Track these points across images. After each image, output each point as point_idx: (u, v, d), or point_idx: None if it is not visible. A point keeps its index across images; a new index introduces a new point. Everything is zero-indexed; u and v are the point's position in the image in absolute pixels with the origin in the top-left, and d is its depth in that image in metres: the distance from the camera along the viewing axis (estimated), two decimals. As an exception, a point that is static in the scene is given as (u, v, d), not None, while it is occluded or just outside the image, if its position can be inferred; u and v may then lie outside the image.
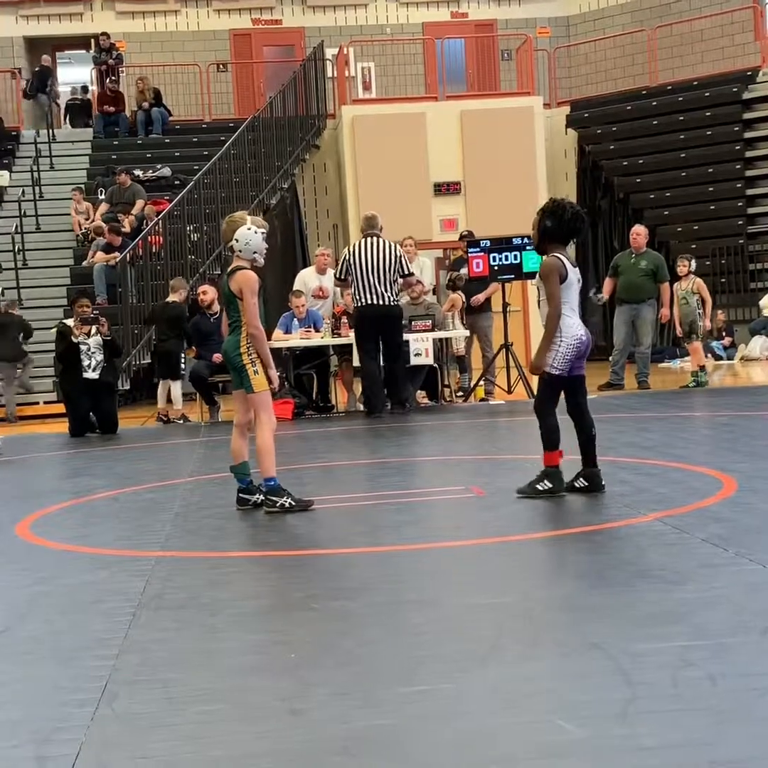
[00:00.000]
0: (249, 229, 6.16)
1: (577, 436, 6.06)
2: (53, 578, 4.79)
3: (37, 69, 21.37)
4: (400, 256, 11.24)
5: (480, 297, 12.56)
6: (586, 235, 6.13)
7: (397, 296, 11.36)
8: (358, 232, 18.64)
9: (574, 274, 5.98)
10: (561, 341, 5.89)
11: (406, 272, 11.31)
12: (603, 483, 6.01)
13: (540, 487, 5.91)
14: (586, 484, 5.99)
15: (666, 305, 12.97)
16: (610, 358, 13.23)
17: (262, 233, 6.21)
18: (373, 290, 11.08)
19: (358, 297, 11.19)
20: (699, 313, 12.61)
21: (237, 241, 6.14)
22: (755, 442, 7.90)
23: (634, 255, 13.09)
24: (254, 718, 2.91)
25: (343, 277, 11.33)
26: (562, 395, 6.04)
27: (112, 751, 2.73)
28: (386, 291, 11.11)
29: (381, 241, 11.24)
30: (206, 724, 2.88)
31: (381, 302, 11.09)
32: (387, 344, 11.25)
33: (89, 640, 3.74)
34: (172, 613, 4.04)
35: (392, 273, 11.14)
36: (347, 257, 11.27)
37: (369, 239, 11.24)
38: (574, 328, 5.91)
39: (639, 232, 13.28)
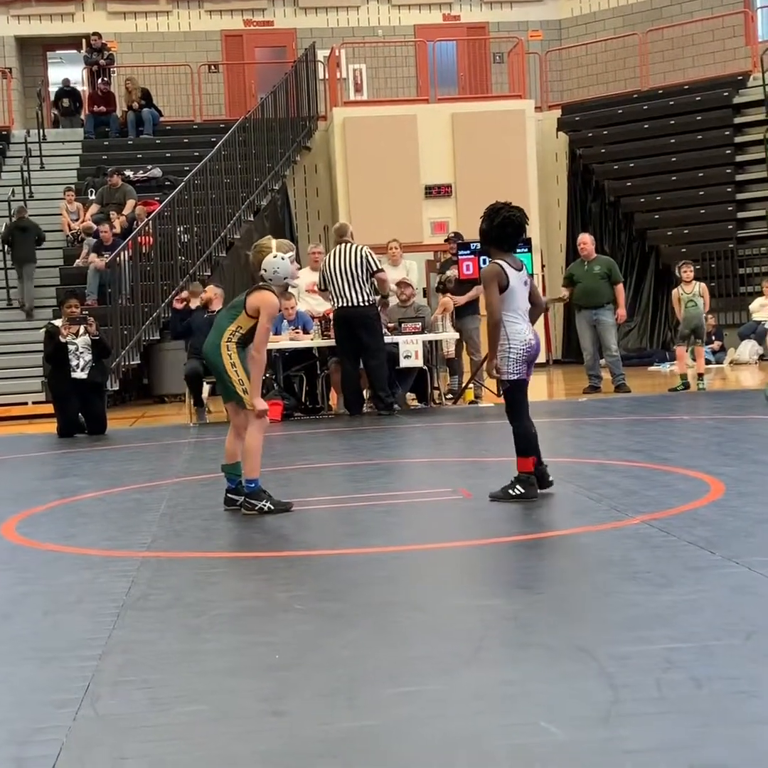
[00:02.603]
0: (275, 256, 6.09)
1: None
2: (38, 578, 4.77)
3: (68, 89, 21.41)
4: (366, 255, 11.51)
5: (460, 299, 12.58)
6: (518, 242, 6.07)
7: (370, 297, 11.51)
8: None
9: (518, 279, 5.98)
10: (510, 347, 5.96)
11: (375, 269, 11.56)
12: (551, 479, 6.10)
13: (512, 493, 5.93)
14: (539, 495, 6.00)
15: (621, 306, 13.09)
16: (585, 363, 13.32)
17: (291, 257, 6.17)
18: (344, 294, 11.41)
19: (333, 302, 11.58)
20: (704, 317, 12.66)
21: (266, 271, 6.09)
22: (743, 445, 7.91)
23: (586, 262, 13.23)
24: (237, 719, 2.89)
25: (324, 287, 11.71)
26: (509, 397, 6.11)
27: (93, 752, 2.71)
28: (357, 293, 11.41)
29: (349, 246, 11.57)
30: (189, 725, 2.87)
31: (352, 304, 11.40)
32: (364, 344, 11.43)
33: (72, 640, 3.72)
34: (156, 613, 4.02)
35: (362, 273, 11.42)
36: (322, 268, 11.65)
37: (339, 246, 11.62)
38: (522, 333, 5.97)
39: (585, 241, 13.47)
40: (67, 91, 21.62)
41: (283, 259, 6.11)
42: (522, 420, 6.02)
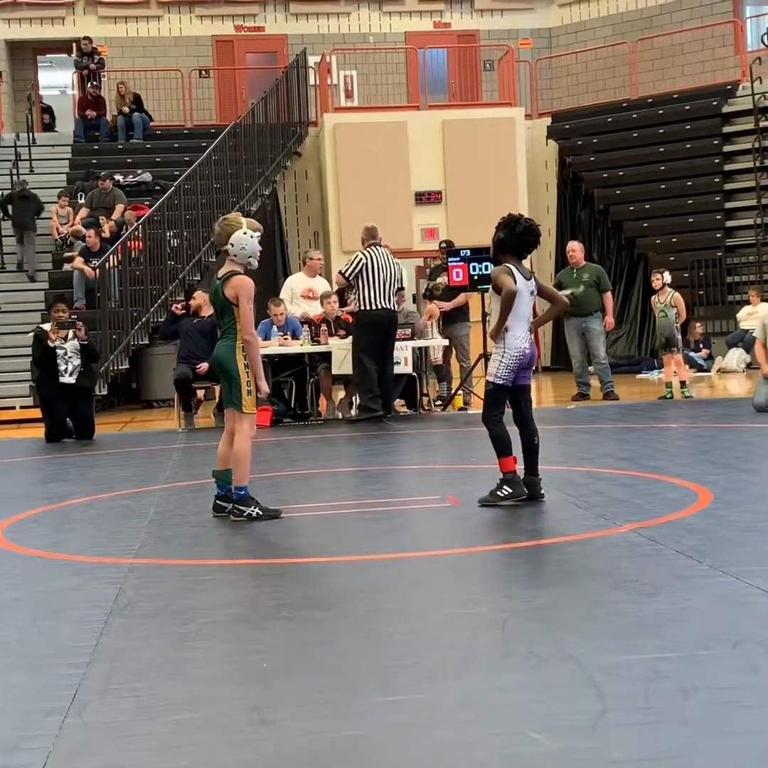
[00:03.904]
0: (245, 233, 6.10)
1: (521, 444, 6.19)
2: (25, 585, 4.75)
3: (43, 106, 21.69)
4: (402, 269, 11.87)
5: (446, 305, 12.60)
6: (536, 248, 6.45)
7: None
8: (339, 240, 18.74)
9: (525, 287, 6.11)
10: (504, 352, 6.06)
11: (402, 285, 11.90)
12: (542, 491, 6.15)
13: (501, 494, 5.99)
14: (527, 491, 6.08)
15: (610, 314, 13.13)
16: (573, 371, 13.34)
17: (258, 237, 6.17)
18: (387, 297, 11.50)
19: (371, 301, 11.42)
20: (676, 326, 12.67)
21: (232, 245, 6.08)
22: (730, 454, 7.93)
23: (574, 270, 13.25)
24: (225, 727, 2.89)
25: (353, 279, 11.52)
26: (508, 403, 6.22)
27: (80, 761, 2.71)
28: (393, 298, 11.62)
29: (388, 252, 11.70)
30: (177, 734, 2.86)
31: (391, 308, 11.55)
32: (389, 349, 11.57)
33: (60, 647, 3.71)
34: (144, 621, 4.01)
35: (396, 282, 11.65)
36: (365, 261, 11.44)
37: (381, 249, 11.62)
38: (518, 341, 6.06)
39: (575, 248, 13.48)
40: (43, 107, 21.73)
41: (252, 236, 6.11)
42: (496, 423, 6.10)
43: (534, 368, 6.43)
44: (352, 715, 2.94)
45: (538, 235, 6.23)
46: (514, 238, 6.12)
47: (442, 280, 12.70)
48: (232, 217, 6.31)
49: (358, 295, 11.51)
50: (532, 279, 6.24)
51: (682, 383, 12.64)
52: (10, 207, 17.26)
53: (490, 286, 6.30)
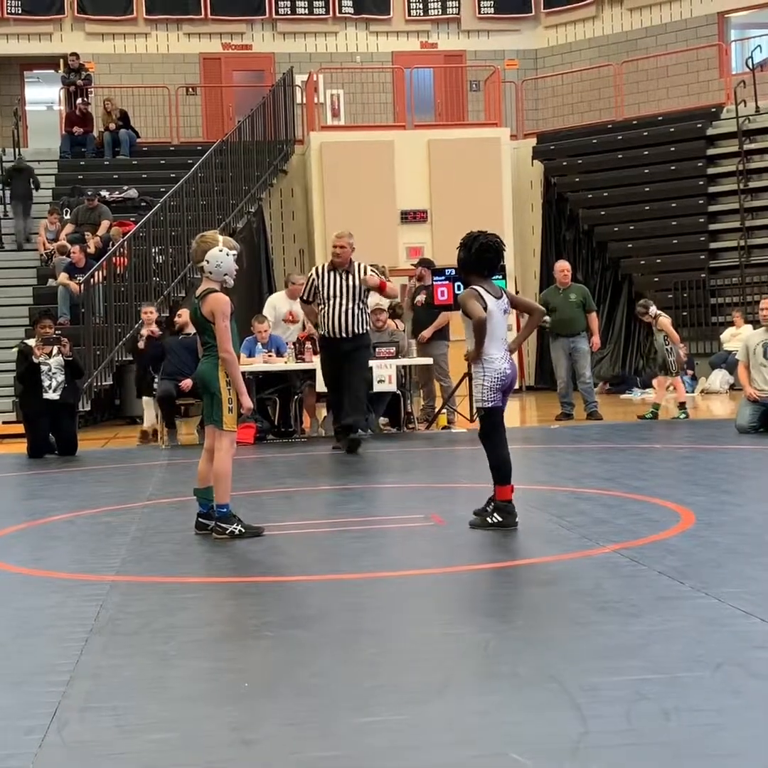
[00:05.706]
0: (220, 250, 6.08)
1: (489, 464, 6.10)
2: (5, 601, 4.73)
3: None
4: None
5: (425, 333, 12.50)
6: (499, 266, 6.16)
7: None
8: (325, 258, 18.63)
9: (496, 306, 5.97)
10: (484, 375, 5.96)
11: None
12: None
13: (490, 521, 5.92)
14: (518, 523, 5.98)
15: (595, 334, 13.18)
16: (558, 391, 13.37)
17: (234, 255, 6.16)
18: None
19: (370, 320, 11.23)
20: (667, 349, 12.73)
21: (208, 262, 6.07)
22: (714, 475, 7.95)
23: (561, 290, 13.29)
24: (206, 747, 2.87)
25: (362, 296, 10.88)
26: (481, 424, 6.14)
27: (59, 780, 2.69)
28: None
29: None
30: (157, 753, 2.85)
31: None
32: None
33: (40, 665, 3.69)
34: (125, 639, 3.99)
35: None
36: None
37: None
38: (497, 362, 5.96)
39: (567, 268, 13.51)
40: None
41: (227, 254, 6.09)
42: (498, 448, 6.02)
43: (513, 389, 6.36)
44: (332, 735, 2.93)
45: (498, 251, 6.06)
46: (472, 256, 6.00)
47: (421, 297, 12.73)
48: (209, 234, 6.30)
49: (365, 314, 10.79)
50: (504, 296, 6.10)
51: (681, 404, 12.76)
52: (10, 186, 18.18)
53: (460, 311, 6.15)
